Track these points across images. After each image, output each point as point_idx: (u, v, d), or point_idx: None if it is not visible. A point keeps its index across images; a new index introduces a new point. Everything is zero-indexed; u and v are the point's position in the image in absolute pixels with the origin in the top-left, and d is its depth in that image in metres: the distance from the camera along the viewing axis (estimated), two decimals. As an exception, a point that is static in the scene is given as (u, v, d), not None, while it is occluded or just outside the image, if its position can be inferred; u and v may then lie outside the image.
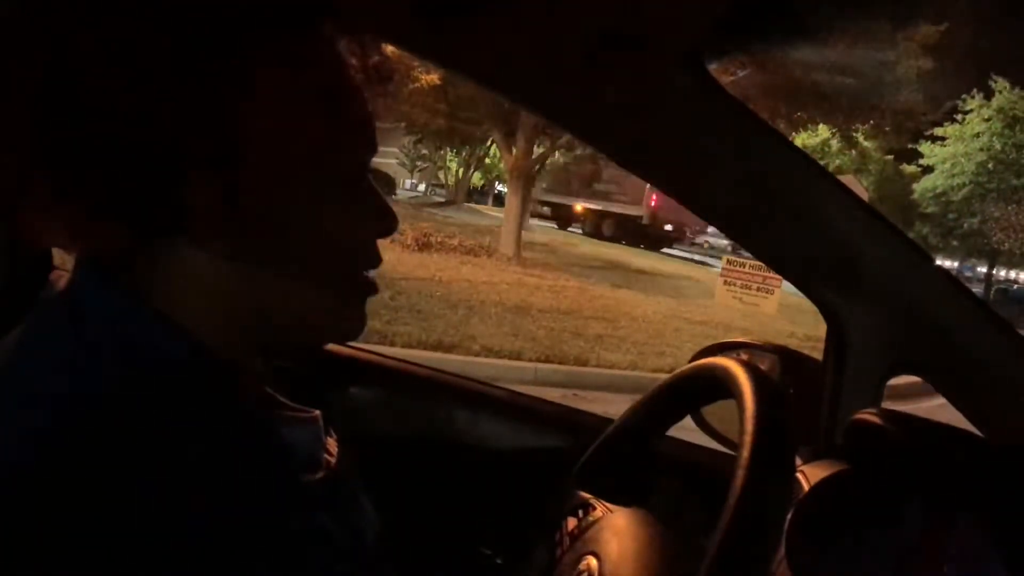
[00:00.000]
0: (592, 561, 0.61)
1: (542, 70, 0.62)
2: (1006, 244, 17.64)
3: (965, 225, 18.04)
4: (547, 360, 5.06)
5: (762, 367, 0.70)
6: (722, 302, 8.70)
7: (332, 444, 0.52)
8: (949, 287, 0.69)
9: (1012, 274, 25.75)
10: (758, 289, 8.75)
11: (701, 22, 0.59)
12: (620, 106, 0.64)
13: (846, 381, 0.75)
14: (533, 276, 8.88)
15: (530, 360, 5.02)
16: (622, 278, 10.41)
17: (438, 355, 4.65)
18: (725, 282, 8.88)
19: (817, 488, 0.63)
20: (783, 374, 0.81)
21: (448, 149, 20.94)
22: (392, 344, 4.63)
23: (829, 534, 0.60)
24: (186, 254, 0.41)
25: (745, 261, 9.15)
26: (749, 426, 0.45)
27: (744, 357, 0.83)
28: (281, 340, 0.47)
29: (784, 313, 8.81)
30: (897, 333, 0.72)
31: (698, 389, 0.63)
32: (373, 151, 0.48)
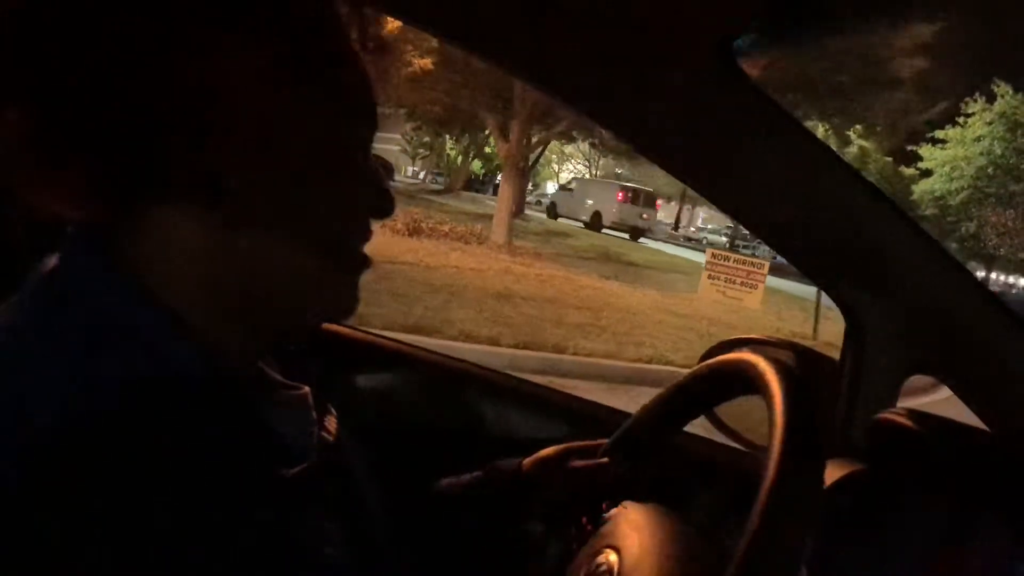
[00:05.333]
0: (611, 556, 0.59)
1: (570, 58, 0.62)
2: (1003, 249, 17.67)
3: (963, 229, 18.04)
4: (524, 347, 5.06)
5: None
6: (706, 296, 8.90)
7: (332, 422, 0.53)
8: (973, 288, 0.69)
9: (1011, 279, 25.92)
10: (742, 284, 8.86)
11: (734, 13, 0.60)
12: (648, 97, 0.64)
13: (864, 380, 0.74)
14: (522, 265, 9.00)
15: (507, 346, 5.02)
16: (612, 270, 10.59)
17: (413, 338, 4.65)
18: (709, 276, 9.00)
19: (835, 488, 0.63)
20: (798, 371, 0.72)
21: (447, 136, 20.92)
22: (369, 326, 4.55)
23: (848, 534, 0.61)
24: (176, 225, 0.40)
25: (730, 255, 9.38)
26: (780, 420, 0.46)
27: (763, 349, 0.82)
28: (273, 316, 0.46)
29: (771, 308, 8.99)
30: (918, 333, 0.72)
31: (721, 384, 0.64)
32: (373, 127, 0.48)
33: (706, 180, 0.69)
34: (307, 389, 0.51)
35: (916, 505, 0.62)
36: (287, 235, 0.43)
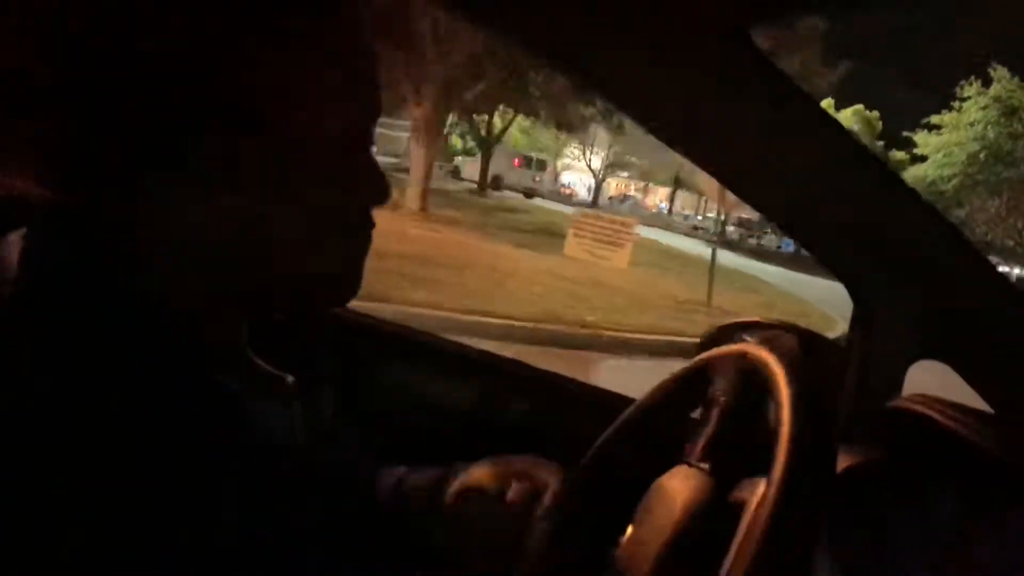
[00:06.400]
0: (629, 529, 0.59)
1: (585, 37, 0.61)
2: (989, 235, 17.80)
3: (953, 216, 18.16)
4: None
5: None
6: (572, 254, 8.68)
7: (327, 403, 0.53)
8: (985, 272, 0.68)
9: (1004, 269, 26.26)
10: (609, 242, 8.67)
11: None
12: (663, 78, 0.63)
13: (871, 365, 0.72)
14: (427, 231, 8.69)
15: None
16: (537, 241, 10.32)
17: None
18: (576, 234, 8.78)
19: (844, 475, 0.61)
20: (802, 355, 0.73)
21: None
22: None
23: (858, 521, 0.60)
24: (165, 196, 0.40)
25: (601, 214, 9.29)
26: (788, 416, 0.46)
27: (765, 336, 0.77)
28: (269, 298, 0.45)
29: (678, 274, 9.07)
30: (927, 316, 0.70)
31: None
32: (374, 115, 0.47)
33: (719, 162, 0.68)
34: (292, 379, 0.50)
35: (927, 494, 0.61)
36: (285, 221, 0.42)
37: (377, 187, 0.48)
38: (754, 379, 0.57)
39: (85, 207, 0.40)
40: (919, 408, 0.63)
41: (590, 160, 29.90)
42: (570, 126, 16.02)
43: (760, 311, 7.80)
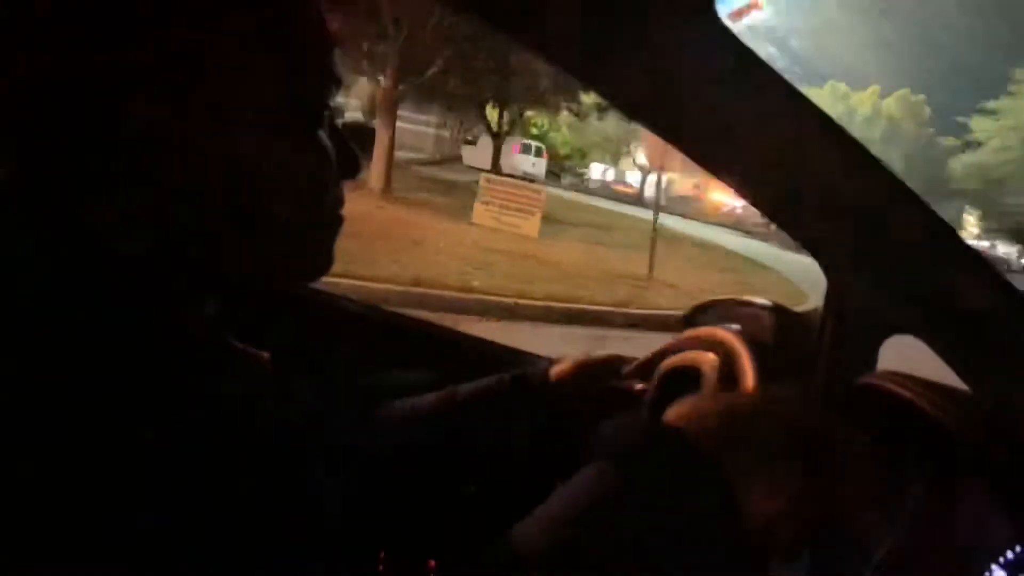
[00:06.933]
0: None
1: (550, 10, 0.61)
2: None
3: (1008, 203, 17.40)
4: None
5: (757, 325, 0.74)
6: (480, 222, 8.52)
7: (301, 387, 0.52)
8: (957, 247, 0.67)
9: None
10: (518, 210, 8.55)
11: None
12: (631, 54, 0.63)
13: (845, 342, 0.73)
14: (373, 208, 8.52)
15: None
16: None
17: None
18: (483, 202, 8.65)
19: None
20: (778, 333, 0.77)
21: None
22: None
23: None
24: (127, 172, 0.39)
25: (511, 180, 9.05)
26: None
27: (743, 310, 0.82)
28: (237, 276, 0.45)
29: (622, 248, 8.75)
30: (900, 293, 0.70)
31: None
32: (331, 89, 0.46)
33: (689, 138, 0.68)
34: (267, 355, 0.49)
35: (901, 471, 0.61)
36: (247, 199, 0.42)
37: (346, 162, 0.47)
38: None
39: (31, 182, 0.39)
40: (889, 386, 0.63)
41: (635, 159, 29.48)
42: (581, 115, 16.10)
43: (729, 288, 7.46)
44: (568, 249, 8.31)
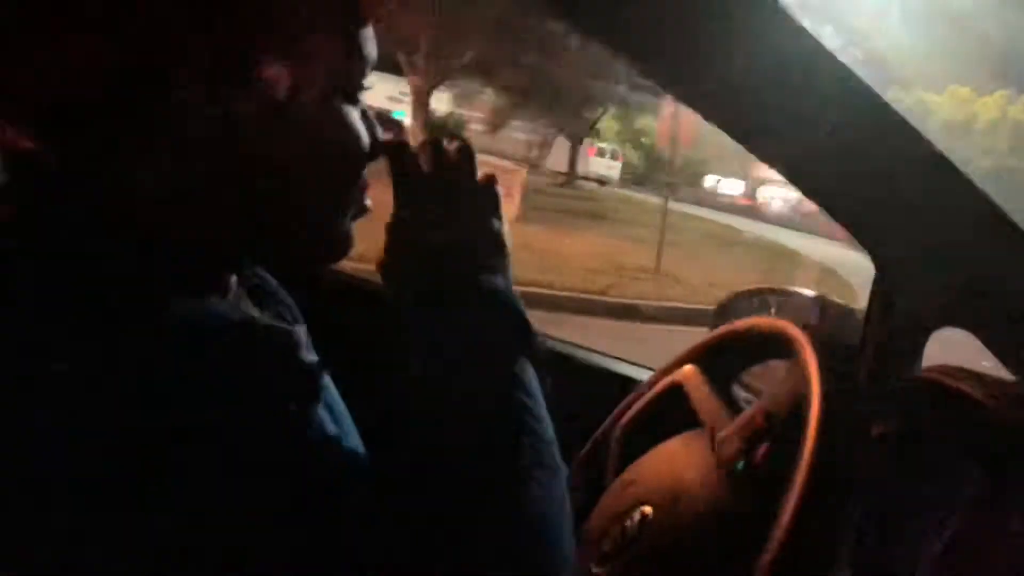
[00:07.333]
0: (646, 510, 0.63)
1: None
2: None
3: None
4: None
5: (802, 316, 0.75)
6: None
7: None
8: (1008, 236, 0.64)
9: None
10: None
11: None
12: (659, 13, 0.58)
13: (892, 334, 0.71)
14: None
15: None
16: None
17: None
18: None
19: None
20: (822, 324, 0.79)
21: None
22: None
23: (880, 496, 0.60)
24: (154, 154, 0.39)
25: (488, 160, 9.19)
26: (816, 392, 0.50)
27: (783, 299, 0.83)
28: (264, 253, 0.47)
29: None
30: (949, 284, 0.68)
31: (750, 348, 0.69)
32: (362, 71, 0.46)
33: (723, 112, 0.65)
34: (292, 329, 0.49)
35: (951, 465, 0.61)
36: (276, 177, 0.42)
37: (370, 144, 0.47)
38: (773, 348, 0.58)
39: (67, 158, 0.39)
40: (941, 378, 0.62)
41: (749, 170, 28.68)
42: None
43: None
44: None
